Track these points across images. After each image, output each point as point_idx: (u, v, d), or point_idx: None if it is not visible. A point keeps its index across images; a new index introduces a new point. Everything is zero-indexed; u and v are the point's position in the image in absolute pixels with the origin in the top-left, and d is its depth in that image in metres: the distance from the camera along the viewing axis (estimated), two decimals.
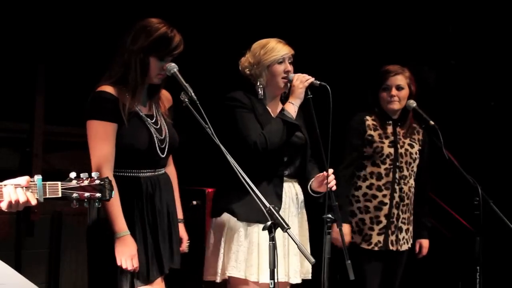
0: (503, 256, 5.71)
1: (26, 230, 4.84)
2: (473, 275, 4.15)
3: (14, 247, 4.79)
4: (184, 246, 3.51)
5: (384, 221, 4.28)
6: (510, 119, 5.89)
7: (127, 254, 3.14)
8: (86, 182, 2.74)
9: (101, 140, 3.18)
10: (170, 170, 3.54)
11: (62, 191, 2.69)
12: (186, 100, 3.15)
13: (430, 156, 4.53)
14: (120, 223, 3.15)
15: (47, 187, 2.66)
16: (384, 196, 4.29)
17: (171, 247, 3.33)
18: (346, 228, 4.21)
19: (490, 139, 5.94)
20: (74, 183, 2.72)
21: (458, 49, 6.07)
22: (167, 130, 3.36)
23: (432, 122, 4.27)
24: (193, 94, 3.14)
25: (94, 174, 2.76)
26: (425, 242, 4.50)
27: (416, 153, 4.39)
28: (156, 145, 3.28)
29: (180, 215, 3.52)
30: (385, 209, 4.29)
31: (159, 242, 3.27)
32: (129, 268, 3.15)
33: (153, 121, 3.33)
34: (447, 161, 4.25)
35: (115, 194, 3.05)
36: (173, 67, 3.26)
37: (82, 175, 2.75)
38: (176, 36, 3.27)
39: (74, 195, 2.71)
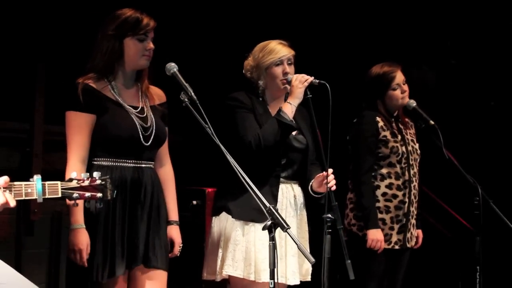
0: (503, 256, 5.70)
1: (26, 230, 4.84)
2: (473, 275, 4.15)
3: (14, 247, 4.78)
4: (176, 250, 3.48)
5: (404, 220, 4.27)
6: (510, 119, 5.89)
7: (75, 248, 3.15)
8: (87, 182, 2.73)
9: (75, 131, 3.23)
10: (167, 170, 3.52)
11: (62, 191, 2.67)
12: (186, 100, 3.16)
13: (428, 153, 4.53)
14: (78, 215, 3.16)
15: (46, 187, 2.64)
16: (404, 195, 4.28)
17: (147, 244, 3.30)
18: (377, 233, 4.20)
19: (490, 139, 5.93)
20: (74, 183, 2.71)
21: (458, 49, 6.07)
22: (154, 122, 3.35)
23: (432, 122, 4.27)
24: (193, 94, 3.15)
25: (95, 174, 2.76)
26: (420, 233, 4.49)
27: (418, 148, 4.40)
28: (140, 132, 3.28)
29: (175, 217, 3.50)
30: (404, 208, 4.27)
31: (138, 236, 3.26)
32: (77, 261, 3.15)
33: (137, 110, 3.34)
34: (447, 161, 4.25)
35: None
36: (173, 67, 3.26)
37: (83, 175, 2.74)
38: (143, 15, 3.32)
39: (75, 195, 2.70)
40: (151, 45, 3.33)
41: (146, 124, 3.32)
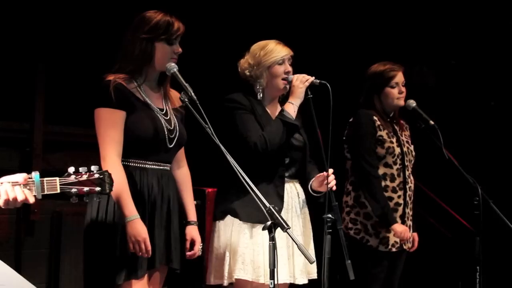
0: (503, 256, 5.71)
1: (26, 230, 4.84)
2: (473, 275, 4.15)
3: (14, 247, 4.79)
4: (197, 249, 3.47)
5: (400, 222, 4.26)
6: (510, 119, 5.89)
7: (137, 238, 3.13)
8: (85, 177, 2.71)
9: (109, 126, 3.20)
10: (185, 172, 3.54)
11: (60, 187, 2.66)
12: (186, 100, 3.16)
13: (428, 153, 4.53)
14: (130, 207, 3.14)
15: (45, 183, 2.64)
16: (399, 197, 4.26)
17: (167, 245, 3.30)
18: (401, 226, 4.19)
19: (490, 139, 5.94)
20: (72, 178, 2.69)
21: (458, 49, 6.07)
22: (177, 124, 3.38)
23: (432, 122, 4.27)
24: (193, 94, 3.15)
25: (93, 168, 2.75)
26: (416, 236, 4.48)
27: (413, 150, 4.39)
28: (166, 133, 3.30)
29: (193, 217, 3.50)
30: (400, 209, 4.26)
31: (154, 238, 3.25)
32: (141, 251, 3.14)
33: (163, 112, 3.35)
34: (447, 161, 4.25)
35: (124, 179, 3.11)
36: (173, 67, 3.28)
37: (81, 169, 2.72)
38: (173, 18, 3.33)
39: (73, 190, 2.68)
40: (179, 49, 3.35)
41: (171, 126, 3.34)
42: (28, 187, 2.62)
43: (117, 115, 3.22)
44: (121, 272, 3.19)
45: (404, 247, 4.29)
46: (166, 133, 3.30)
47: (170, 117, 3.37)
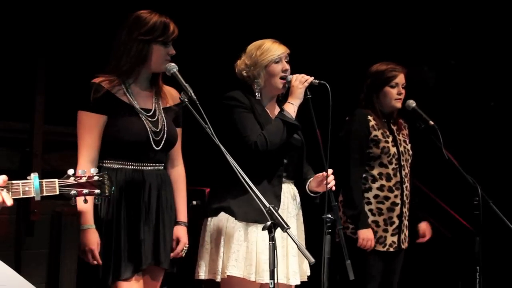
0: (503, 256, 5.70)
1: (26, 230, 4.84)
2: (473, 275, 4.15)
3: (14, 247, 4.79)
4: (180, 249, 3.46)
5: (397, 221, 4.26)
6: (510, 119, 5.89)
7: (85, 248, 3.17)
8: (84, 179, 2.71)
9: (86, 131, 3.23)
10: (179, 171, 3.54)
11: (59, 189, 2.66)
12: (186, 100, 3.16)
13: (428, 153, 4.53)
14: (87, 215, 3.17)
15: (44, 185, 2.64)
16: (396, 196, 4.27)
17: (156, 246, 3.31)
18: (368, 232, 4.20)
19: (490, 139, 5.93)
20: (72, 180, 2.70)
21: (458, 49, 6.07)
22: (165, 125, 3.36)
23: (432, 122, 4.27)
24: (192, 94, 3.15)
25: (93, 170, 2.75)
26: (424, 225, 4.48)
27: (410, 149, 4.40)
28: (150, 136, 3.29)
29: (183, 218, 3.51)
30: (397, 209, 4.27)
31: (140, 239, 3.26)
32: (89, 261, 3.16)
33: (149, 114, 3.34)
34: (447, 161, 4.25)
35: None
36: (173, 67, 3.28)
37: (80, 171, 2.72)
38: (168, 20, 3.34)
39: (72, 192, 2.69)
40: (173, 51, 3.35)
41: (157, 128, 3.33)
42: (6, 190, 2.60)
43: (95, 120, 3.24)
44: (109, 273, 3.21)
45: (403, 246, 4.30)
46: (150, 135, 3.29)
47: (157, 117, 3.36)
